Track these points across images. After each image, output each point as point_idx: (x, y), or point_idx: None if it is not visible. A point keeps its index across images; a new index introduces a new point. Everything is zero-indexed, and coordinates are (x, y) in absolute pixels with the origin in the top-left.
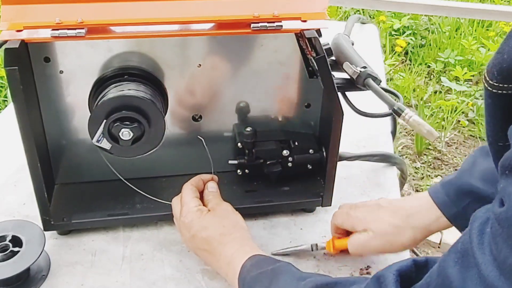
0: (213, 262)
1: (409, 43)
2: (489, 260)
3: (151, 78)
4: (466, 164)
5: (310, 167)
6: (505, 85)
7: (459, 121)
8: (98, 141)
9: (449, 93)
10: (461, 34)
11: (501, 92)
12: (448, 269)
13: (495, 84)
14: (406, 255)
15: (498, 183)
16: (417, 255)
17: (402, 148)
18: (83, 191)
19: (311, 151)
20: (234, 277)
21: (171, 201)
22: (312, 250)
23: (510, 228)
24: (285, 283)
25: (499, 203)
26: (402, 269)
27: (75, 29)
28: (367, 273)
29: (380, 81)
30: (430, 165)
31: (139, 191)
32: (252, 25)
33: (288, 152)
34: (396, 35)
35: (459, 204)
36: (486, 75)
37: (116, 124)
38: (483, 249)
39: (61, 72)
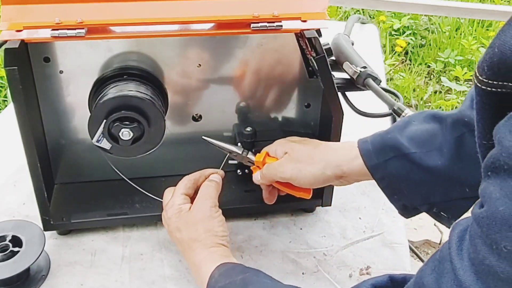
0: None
1: (409, 43)
2: (467, 265)
3: (151, 78)
4: (401, 122)
5: None
6: (495, 82)
7: None
8: (98, 141)
9: (449, 93)
10: (461, 34)
11: (490, 90)
12: (425, 277)
13: (484, 80)
14: (406, 257)
15: (479, 186)
16: (417, 255)
17: None
18: (82, 191)
19: None
20: (203, 286)
21: None
22: (241, 153)
23: (489, 227)
24: None
25: (479, 205)
26: (377, 283)
27: (75, 29)
28: (367, 273)
29: (380, 81)
30: None
31: (141, 189)
32: (252, 25)
33: None
34: (396, 35)
35: (381, 156)
36: (476, 71)
37: (116, 124)
38: (461, 255)
39: (61, 72)
